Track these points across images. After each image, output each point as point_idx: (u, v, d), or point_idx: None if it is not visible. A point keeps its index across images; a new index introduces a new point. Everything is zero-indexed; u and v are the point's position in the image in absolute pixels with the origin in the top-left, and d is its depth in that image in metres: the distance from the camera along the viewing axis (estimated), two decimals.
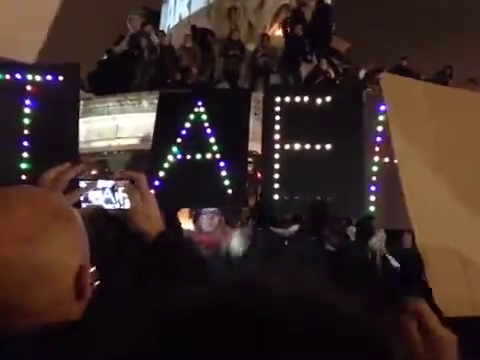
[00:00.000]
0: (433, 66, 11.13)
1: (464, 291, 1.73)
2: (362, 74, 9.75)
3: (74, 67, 3.47)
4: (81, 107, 9.52)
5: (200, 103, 3.62)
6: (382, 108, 3.40)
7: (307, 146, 3.36)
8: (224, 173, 3.45)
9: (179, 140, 3.57)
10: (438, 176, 1.80)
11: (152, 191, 3.58)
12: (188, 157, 3.54)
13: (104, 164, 9.03)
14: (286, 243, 3.78)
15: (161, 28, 13.26)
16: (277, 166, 3.47)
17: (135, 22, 12.96)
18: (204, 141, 3.54)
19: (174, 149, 3.54)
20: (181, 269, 1.22)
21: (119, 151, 8.81)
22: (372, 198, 3.54)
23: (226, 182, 3.44)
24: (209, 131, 3.55)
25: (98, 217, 2.38)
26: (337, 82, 10.07)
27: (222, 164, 3.45)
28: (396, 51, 11.15)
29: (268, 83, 10.18)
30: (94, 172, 9.24)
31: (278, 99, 3.47)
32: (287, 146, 3.42)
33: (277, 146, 3.43)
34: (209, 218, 3.95)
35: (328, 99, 3.42)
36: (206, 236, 3.92)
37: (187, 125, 3.59)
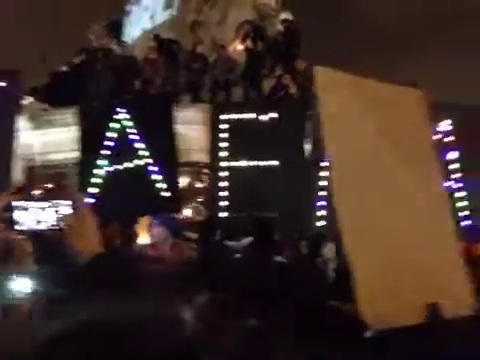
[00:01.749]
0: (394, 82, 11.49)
1: (393, 302, 1.75)
2: None
3: (15, 74, 3.39)
4: (38, 118, 9.32)
5: (123, 110, 3.59)
6: None
7: (254, 163, 3.40)
8: (156, 178, 3.43)
9: (106, 152, 3.53)
10: (370, 181, 1.81)
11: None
12: (118, 167, 3.51)
13: (62, 176, 8.82)
14: (237, 256, 3.79)
15: (124, 39, 13.18)
16: (225, 184, 3.48)
17: (97, 33, 12.84)
18: (132, 148, 3.51)
19: (102, 162, 3.50)
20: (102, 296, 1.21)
21: (77, 163, 8.62)
22: (321, 213, 3.61)
23: (159, 186, 3.42)
24: (136, 137, 3.52)
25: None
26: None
27: (153, 169, 3.43)
28: (356, 67, 11.44)
29: (230, 96, 10.30)
30: (50, 185, 9.01)
31: (224, 116, 3.51)
32: (234, 163, 3.45)
33: (224, 164, 3.45)
34: (158, 231, 3.92)
35: (274, 115, 3.47)
36: (154, 250, 3.88)
37: (112, 135, 3.55)
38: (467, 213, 5.01)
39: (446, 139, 4.91)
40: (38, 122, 9.10)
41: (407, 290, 1.79)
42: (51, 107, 9.08)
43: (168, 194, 3.37)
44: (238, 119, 3.64)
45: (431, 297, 1.78)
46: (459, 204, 4.96)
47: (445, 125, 4.89)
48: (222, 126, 3.51)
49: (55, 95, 8.92)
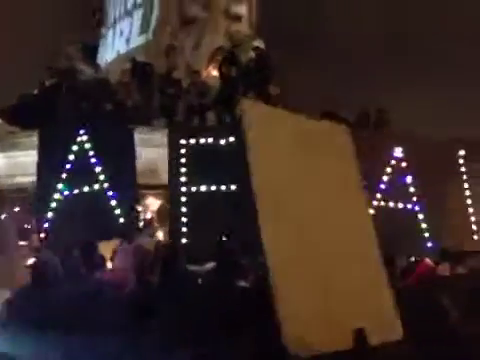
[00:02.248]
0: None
1: (319, 328, 1.73)
2: None
3: None
4: (4, 141, 9.12)
5: (83, 132, 3.55)
6: None
7: (213, 188, 3.38)
8: (113, 203, 3.38)
9: (64, 175, 3.47)
10: (295, 211, 1.83)
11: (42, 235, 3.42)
12: (75, 191, 3.45)
13: (28, 200, 8.59)
14: (200, 281, 3.72)
15: (98, 62, 13.17)
16: (184, 209, 3.45)
17: (70, 54, 12.80)
18: (90, 172, 3.46)
19: (60, 186, 3.45)
20: None
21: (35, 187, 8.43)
22: None
23: (116, 212, 3.37)
24: (94, 160, 3.48)
25: None
26: None
27: (110, 194, 3.39)
28: (328, 94, 11.71)
29: (205, 120, 10.35)
30: (17, 209, 8.75)
31: (183, 141, 3.50)
32: (194, 188, 3.42)
33: (184, 189, 3.43)
34: (122, 255, 3.83)
35: (231, 139, 3.48)
36: (113, 274, 3.77)
37: (71, 157, 3.51)
38: (428, 234, 5.17)
39: (402, 164, 5.12)
40: (5, 145, 8.91)
41: (334, 315, 1.78)
42: (19, 129, 8.93)
43: (124, 219, 3.32)
44: (198, 143, 3.63)
45: (358, 322, 1.78)
46: (423, 225, 5.13)
47: (398, 151, 5.10)
48: (181, 150, 3.51)
49: (22, 117, 8.78)
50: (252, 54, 11.22)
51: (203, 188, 3.57)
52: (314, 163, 2.01)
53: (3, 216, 8.92)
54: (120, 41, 12.69)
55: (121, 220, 3.42)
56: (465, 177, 5.37)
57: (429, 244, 5.09)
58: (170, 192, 3.67)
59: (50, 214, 3.54)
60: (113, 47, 12.90)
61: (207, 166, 3.33)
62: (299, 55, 14.46)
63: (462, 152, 5.42)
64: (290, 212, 1.83)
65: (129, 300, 2.98)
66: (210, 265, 3.87)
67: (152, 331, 2.03)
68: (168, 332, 2.25)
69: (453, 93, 13.54)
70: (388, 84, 14.11)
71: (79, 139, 3.67)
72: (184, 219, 3.53)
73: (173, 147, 3.66)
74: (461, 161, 5.45)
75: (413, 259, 5.08)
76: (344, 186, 2.08)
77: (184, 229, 3.52)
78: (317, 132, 2.16)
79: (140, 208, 6.06)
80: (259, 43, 11.92)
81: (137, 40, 12.32)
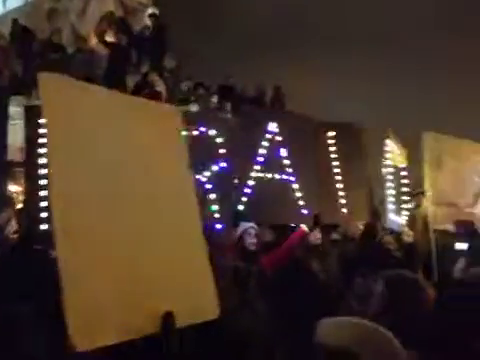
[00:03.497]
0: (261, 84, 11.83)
1: (121, 315, 1.61)
2: (184, 87, 9.88)
3: None
4: None
5: None
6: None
7: None
8: None
9: None
10: (99, 191, 1.67)
11: None
12: None
13: None
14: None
15: None
16: (43, 193, 3.15)
17: None
18: None
19: None
20: None
21: None
22: None
23: None
24: None
25: None
26: (164, 95, 10.01)
27: None
28: (224, 69, 11.59)
29: None
30: None
31: (41, 120, 3.20)
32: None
33: (41, 171, 3.13)
34: None
35: None
36: None
37: None
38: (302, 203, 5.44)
39: (277, 138, 5.28)
40: None
41: (140, 302, 1.67)
42: None
43: None
44: None
45: (169, 306, 1.69)
46: (297, 194, 5.41)
47: (273, 126, 5.25)
48: (40, 130, 3.20)
49: None
50: (147, 22, 10.67)
51: None
52: (126, 141, 1.84)
53: None
54: None
55: None
56: (333, 156, 5.72)
57: (304, 211, 5.34)
58: (26, 173, 3.31)
59: None
60: None
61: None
62: (200, 29, 14.13)
63: (331, 133, 5.78)
64: (92, 191, 1.65)
65: None
66: None
67: None
68: None
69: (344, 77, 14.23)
70: (286, 62, 14.39)
71: None
72: (43, 204, 3.19)
73: (30, 126, 3.30)
74: (330, 141, 5.75)
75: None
76: (164, 168, 1.95)
77: (43, 215, 3.18)
78: (133, 109, 1.99)
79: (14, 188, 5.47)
80: (154, 10, 11.36)
81: (15, 0, 11.09)
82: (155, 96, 9.79)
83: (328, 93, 14.12)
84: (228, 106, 10.19)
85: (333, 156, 5.73)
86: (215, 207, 4.70)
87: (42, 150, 3.47)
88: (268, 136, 5.22)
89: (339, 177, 5.70)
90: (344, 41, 14.88)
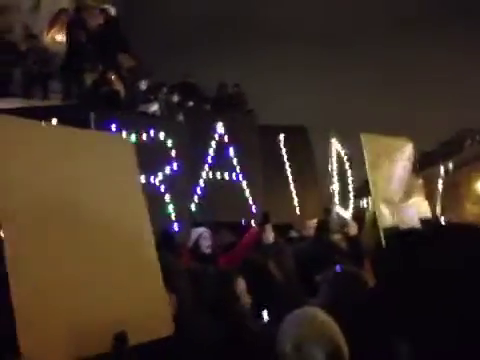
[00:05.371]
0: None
1: (79, 334, 1.66)
2: (143, 85, 9.84)
3: None
4: None
5: None
6: None
7: None
8: None
9: None
10: (53, 229, 1.73)
11: None
12: None
13: None
14: None
15: None
16: None
17: None
18: None
19: None
20: None
21: None
22: None
23: None
24: None
25: None
26: (122, 93, 9.93)
27: None
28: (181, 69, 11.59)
29: (47, 90, 9.50)
30: None
31: None
32: None
33: None
34: None
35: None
36: None
37: None
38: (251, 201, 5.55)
39: (225, 138, 5.44)
40: None
41: (93, 321, 1.73)
42: None
43: None
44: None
45: (121, 325, 1.76)
46: (246, 193, 5.57)
47: (220, 127, 5.40)
48: None
49: None
50: (100, 19, 10.51)
51: None
52: (77, 176, 1.91)
53: None
54: None
55: None
56: (285, 158, 5.90)
57: (253, 209, 5.49)
58: None
59: None
60: None
61: None
62: (157, 29, 14.03)
63: (282, 136, 5.94)
64: (46, 230, 1.72)
65: None
66: None
67: None
68: None
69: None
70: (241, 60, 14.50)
71: None
72: None
73: None
74: (281, 144, 5.94)
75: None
76: (118, 196, 2.03)
77: None
78: (86, 143, 2.06)
79: None
80: (110, 8, 11.20)
81: None
82: (113, 95, 9.74)
83: (275, 90, 14.37)
84: (190, 104, 10.24)
85: (283, 156, 5.91)
86: (170, 209, 4.80)
87: None
88: (216, 137, 5.35)
89: (289, 177, 5.89)
90: (293, 38, 15.15)
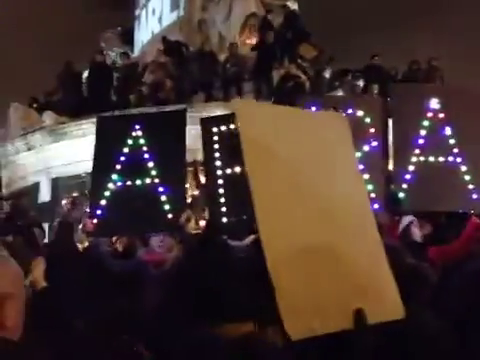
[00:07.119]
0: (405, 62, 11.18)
1: (318, 310, 1.72)
2: (327, 73, 9.82)
3: None
4: (57, 131, 9.68)
5: (138, 127, 3.69)
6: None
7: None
8: (163, 198, 3.54)
9: (118, 166, 3.64)
10: (290, 200, 1.84)
11: (95, 220, 3.74)
12: (128, 183, 3.62)
13: (84, 186, 9.14)
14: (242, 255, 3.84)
15: (135, 45, 13.37)
16: (222, 190, 3.56)
17: (109, 41, 13.10)
18: (143, 166, 3.62)
19: (114, 176, 3.61)
20: None
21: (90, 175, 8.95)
22: None
23: (166, 207, 3.53)
24: (147, 156, 3.64)
25: None
26: (307, 85, 10.14)
27: (161, 189, 3.55)
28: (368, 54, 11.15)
29: (241, 92, 10.30)
30: (75, 194, 9.36)
31: (215, 129, 3.60)
32: (228, 171, 3.53)
33: (219, 172, 3.54)
34: (159, 240, 3.99)
35: None
36: (152, 255, 3.90)
37: (125, 150, 3.67)
38: (472, 187, 4.77)
39: (439, 115, 4.72)
40: (57, 135, 9.48)
41: (333, 298, 1.76)
42: (68, 119, 9.42)
43: (173, 214, 3.48)
44: (229, 129, 3.73)
45: (358, 302, 1.76)
46: (466, 177, 4.75)
47: (434, 103, 4.68)
48: (214, 137, 3.64)
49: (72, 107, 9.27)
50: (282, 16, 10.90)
51: (237, 169, 3.67)
52: (309, 153, 2.02)
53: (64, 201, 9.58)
54: (153, 20, 12.77)
55: (170, 215, 3.59)
56: None
57: (474, 196, 4.73)
58: (207, 176, 3.79)
59: (103, 202, 3.76)
60: (147, 27, 13.02)
61: (239, 149, 3.41)
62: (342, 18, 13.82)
63: None
64: (285, 201, 1.87)
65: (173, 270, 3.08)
66: (250, 238, 3.97)
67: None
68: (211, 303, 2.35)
69: None
70: None
71: (134, 134, 3.84)
72: (222, 200, 3.65)
73: (206, 135, 3.78)
74: None
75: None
76: (341, 172, 2.09)
77: (223, 209, 3.65)
78: (312, 122, 2.17)
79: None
80: (292, 4, 11.52)
81: (169, 17, 12.34)
82: (299, 88, 10.02)
83: None
84: (375, 88, 9.81)
85: None
86: (369, 187, 4.46)
87: (217, 154, 3.88)
88: (429, 114, 4.65)
89: None
90: None
